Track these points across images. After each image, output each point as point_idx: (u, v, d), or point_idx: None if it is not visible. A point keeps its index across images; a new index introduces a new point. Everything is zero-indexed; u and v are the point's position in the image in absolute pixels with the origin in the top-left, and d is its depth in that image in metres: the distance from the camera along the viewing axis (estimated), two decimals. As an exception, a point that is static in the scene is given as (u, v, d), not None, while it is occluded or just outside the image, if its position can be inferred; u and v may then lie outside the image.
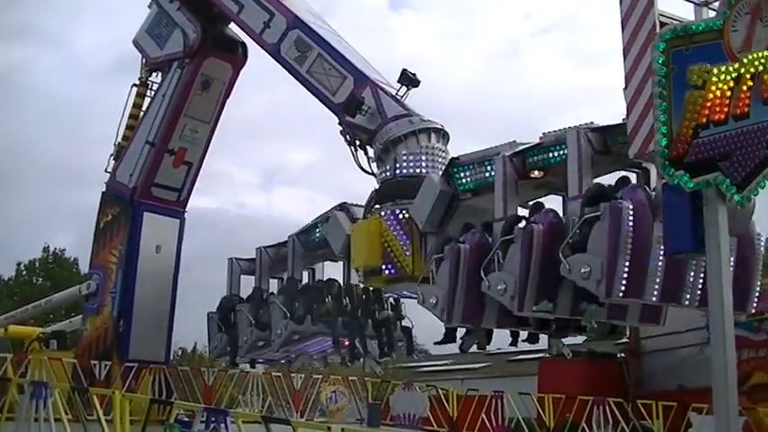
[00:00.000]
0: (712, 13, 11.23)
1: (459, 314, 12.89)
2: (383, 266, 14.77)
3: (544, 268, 12.11)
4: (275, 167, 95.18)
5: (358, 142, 15.97)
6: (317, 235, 17.51)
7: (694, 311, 13.09)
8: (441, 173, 14.52)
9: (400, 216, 14.47)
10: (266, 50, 17.58)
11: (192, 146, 20.65)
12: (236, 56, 20.76)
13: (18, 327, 26.55)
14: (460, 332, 14.17)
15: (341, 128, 16.03)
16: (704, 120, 10.18)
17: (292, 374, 22.10)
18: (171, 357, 22.86)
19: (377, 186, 15.55)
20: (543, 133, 13.43)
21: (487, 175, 13.66)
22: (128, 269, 20.26)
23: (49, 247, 47.42)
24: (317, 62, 16.43)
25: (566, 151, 12.66)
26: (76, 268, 44.70)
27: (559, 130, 13.09)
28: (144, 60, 21.41)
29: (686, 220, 10.47)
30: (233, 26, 20.24)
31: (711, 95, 10.24)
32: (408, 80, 15.97)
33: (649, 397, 21.59)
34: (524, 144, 13.43)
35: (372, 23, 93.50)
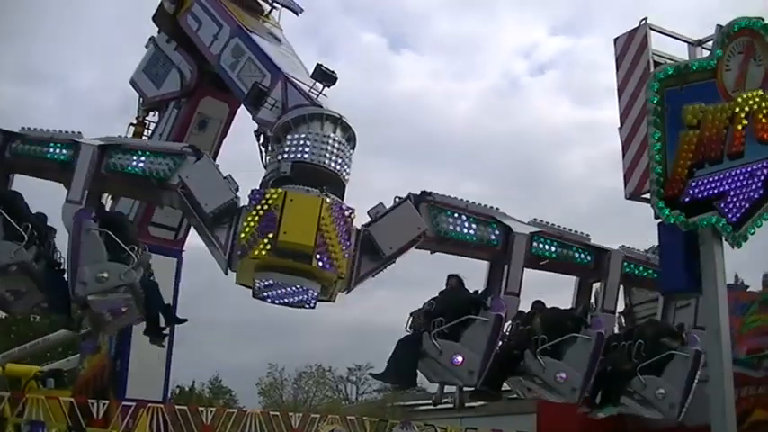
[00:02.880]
0: (706, 53, 11.33)
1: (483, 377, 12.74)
2: (317, 255, 11.97)
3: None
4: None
5: (261, 139, 14.59)
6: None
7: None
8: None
9: (346, 213, 12.48)
10: (212, 62, 17.31)
11: (191, 185, 20.62)
12: (233, 95, 20.82)
13: (15, 365, 26.49)
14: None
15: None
16: (699, 159, 10.25)
17: (290, 413, 22.02)
18: (169, 396, 22.76)
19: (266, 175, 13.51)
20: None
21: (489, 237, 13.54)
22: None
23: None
24: (245, 66, 15.92)
25: None
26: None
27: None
28: (141, 100, 21.47)
29: (681, 260, 10.51)
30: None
31: (707, 134, 10.31)
32: (322, 76, 14.30)
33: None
34: (545, 225, 14.03)
35: (373, 63, 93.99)
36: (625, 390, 13.84)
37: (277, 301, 12.50)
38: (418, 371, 12.93)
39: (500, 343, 13.12)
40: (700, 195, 10.24)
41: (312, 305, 12.48)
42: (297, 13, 20.40)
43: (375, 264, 12.77)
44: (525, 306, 13.92)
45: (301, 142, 12.93)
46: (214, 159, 20.66)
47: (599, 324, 13.51)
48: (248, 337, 66.38)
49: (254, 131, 14.67)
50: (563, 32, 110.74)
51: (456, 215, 13.35)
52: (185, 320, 14.06)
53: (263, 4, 19.39)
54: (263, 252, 11.74)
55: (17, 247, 12.25)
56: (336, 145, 13.12)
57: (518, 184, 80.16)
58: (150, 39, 21.20)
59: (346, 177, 13.10)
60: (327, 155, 12.91)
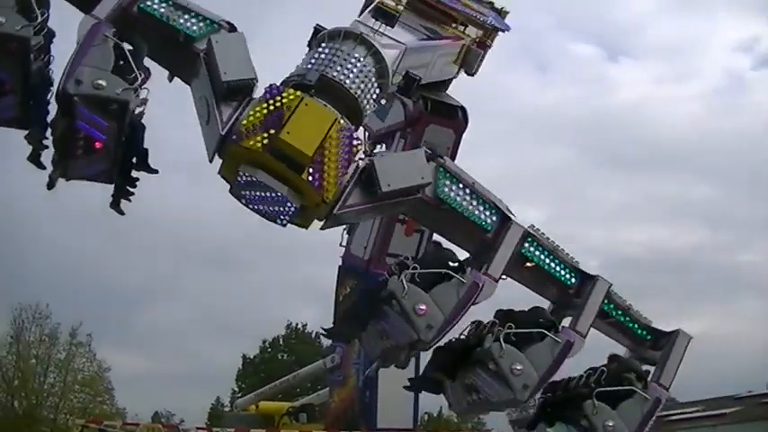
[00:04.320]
0: None
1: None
2: (310, 169, 11.09)
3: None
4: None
5: None
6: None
7: None
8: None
9: (354, 143, 11.50)
10: None
11: (422, 214, 20.78)
12: (457, 120, 20.79)
13: (268, 403, 27.51)
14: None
15: None
16: None
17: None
18: (418, 422, 22.92)
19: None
20: None
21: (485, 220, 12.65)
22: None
23: (291, 323, 49.12)
24: None
25: None
26: (318, 342, 46.14)
27: None
28: (367, 134, 21.86)
29: None
30: (451, 91, 20.50)
31: None
32: (382, 14, 13.67)
33: None
34: (541, 235, 13.18)
35: (591, 74, 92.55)
36: (578, 411, 12.80)
37: (251, 206, 11.59)
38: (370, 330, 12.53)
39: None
40: None
41: (285, 222, 11.57)
42: (504, 32, 20.29)
43: (366, 198, 11.85)
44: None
45: (333, 59, 12.08)
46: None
47: (569, 334, 12.60)
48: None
49: None
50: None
51: (461, 186, 12.53)
52: (157, 171, 12.83)
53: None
54: (258, 145, 10.98)
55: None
56: (365, 71, 12.25)
57: (750, 184, 76.63)
58: (371, 73, 21.65)
59: (367, 108, 12.36)
60: (357, 81, 12.11)
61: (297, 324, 49.93)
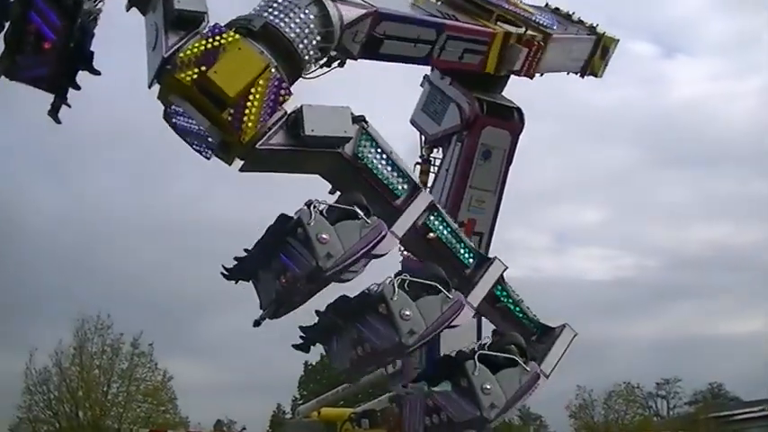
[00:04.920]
0: None
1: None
2: (231, 109, 11.72)
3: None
4: (566, 228, 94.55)
5: None
6: None
7: None
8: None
9: (281, 92, 12.18)
10: None
11: (481, 216, 20.61)
12: (513, 122, 20.63)
13: (330, 409, 27.46)
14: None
15: None
16: None
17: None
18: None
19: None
20: None
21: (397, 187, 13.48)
22: (431, 345, 20.39)
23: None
24: None
25: None
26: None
27: None
28: (423, 138, 21.83)
29: None
30: (506, 92, 20.42)
31: None
32: None
33: None
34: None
35: (648, 72, 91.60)
36: (459, 371, 13.16)
37: (180, 135, 12.28)
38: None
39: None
40: None
41: (209, 156, 12.21)
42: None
43: (288, 141, 12.46)
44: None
45: (280, 7, 12.87)
46: (502, 188, 20.98)
47: (461, 298, 12.85)
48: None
49: None
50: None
51: (379, 151, 13.17)
52: (99, 73, 13.33)
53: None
54: (188, 78, 11.64)
55: None
56: (308, 22, 13.03)
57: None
58: (424, 77, 21.58)
59: (306, 59, 13.13)
60: (298, 31, 12.87)
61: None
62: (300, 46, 12.99)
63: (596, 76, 21.55)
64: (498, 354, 13.35)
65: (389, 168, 13.31)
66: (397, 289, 12.30)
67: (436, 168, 21.50)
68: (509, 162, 20.82)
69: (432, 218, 13.64)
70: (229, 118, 11.79)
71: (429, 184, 21.42)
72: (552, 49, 19.65)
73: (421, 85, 21.81)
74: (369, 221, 12.28)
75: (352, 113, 12.95)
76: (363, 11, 14.21)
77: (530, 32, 19.05)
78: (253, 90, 11.83)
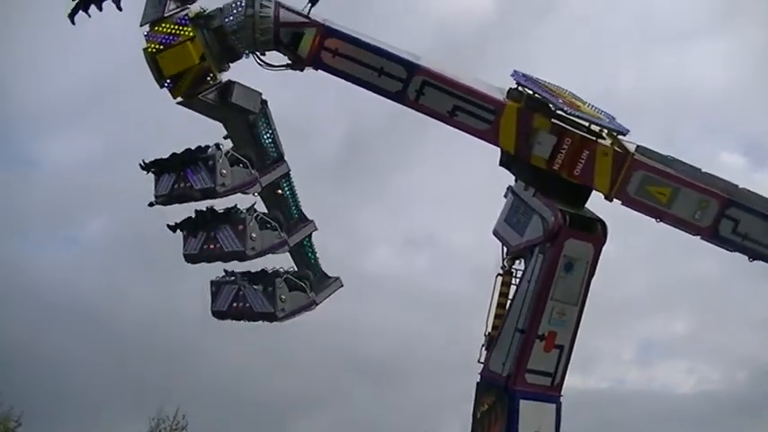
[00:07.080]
0: None
1: None
2: (167, 81, 18.55)
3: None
4: (652, 340, 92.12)
5: None
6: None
7: None
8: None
9: (208, 78, 19.00)
10: None
11: (562, 329, 20.39)
12: (596, 234, 20.57)
13: None
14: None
15: None
16: None
17: None
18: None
19: None
20: None
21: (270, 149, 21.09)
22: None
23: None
24: None
25: None
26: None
27: None
28: (505, 249, 21.79)
29: None
30: (589, 205, 20.35)
31: None
32: None
33: None
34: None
35: (737, 182, 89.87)
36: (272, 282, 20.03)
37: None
38: None
39: None
40: None
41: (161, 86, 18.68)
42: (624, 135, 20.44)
43: (218, 99, 19.21)
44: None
45: (235, 11, 18.26)
46: (584, 301, 20.76)
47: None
48: None
49: None
50: None
51: (268, 126, 20.58)
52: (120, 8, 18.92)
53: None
54: (150, 49, 18.34)
55: None
56: (244, 19, 18.18)
57: None
58: (508, 188, 21.75)
59: (240, 48, 18.74)
60: (236, 27, 18.30)
61: (439, 436, 49.83)
62: (239, 45, 18.53)
63: None
64: (297, 280, 20.10)
65: (270, 141, 20.39)
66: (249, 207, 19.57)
67: (517, 280, 21.36)
68: (591, 274, 20.71)
69: (283, 182, 20.75)
70: (165, 84, 18.56)
71: (510, 297, 21.36)
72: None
73: (504, 196, 21.93)
74: (252, 172, 19.04)
75: (261, 98, 19.67)
76: (302, 19, 18.43)
77: (581, 133, 20.07)
78: (185, 74, 18.32)
